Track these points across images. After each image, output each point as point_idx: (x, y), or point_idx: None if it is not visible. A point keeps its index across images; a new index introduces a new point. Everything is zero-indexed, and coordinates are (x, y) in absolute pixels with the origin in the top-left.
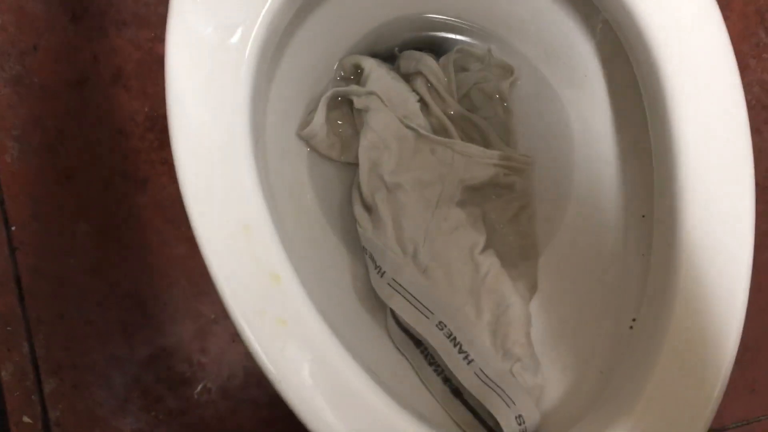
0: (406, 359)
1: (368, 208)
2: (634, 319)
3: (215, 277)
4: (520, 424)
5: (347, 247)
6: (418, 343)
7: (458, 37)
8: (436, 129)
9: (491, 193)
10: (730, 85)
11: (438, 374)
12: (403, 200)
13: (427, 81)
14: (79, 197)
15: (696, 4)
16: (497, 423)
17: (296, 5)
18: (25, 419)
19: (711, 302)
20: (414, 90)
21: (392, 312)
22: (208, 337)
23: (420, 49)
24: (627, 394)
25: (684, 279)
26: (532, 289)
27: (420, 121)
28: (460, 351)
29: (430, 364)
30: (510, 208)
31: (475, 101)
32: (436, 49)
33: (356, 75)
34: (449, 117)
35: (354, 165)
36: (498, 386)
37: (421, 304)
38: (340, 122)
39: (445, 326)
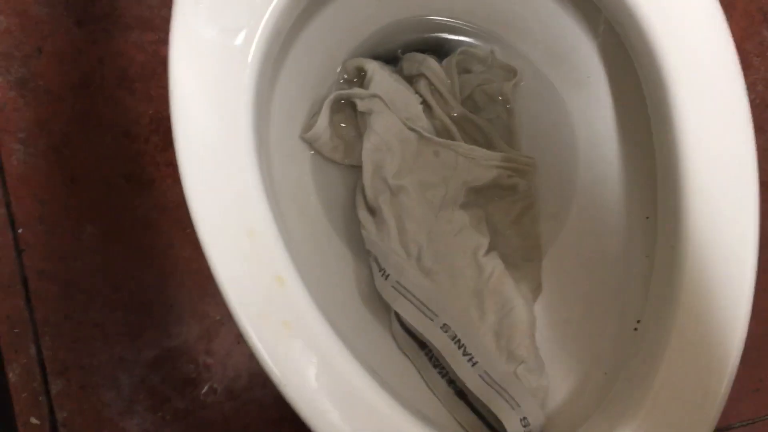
0: (411, 361)
1: (372, 211)
2: (638, 321)
3: (220, 280)
4: (524, 426)
5: (351, 249)
6: (423, 345)
7: (461, 38)
8: (439, 131)
9: (494, 195)
10: (734, 85)
11: (442, 376)
12: (407, 203)
13: (430, 83)
14: (85, 199)
15: (698, 3)
16: (502, 425)
17: (299, 8)
18: (33, 420)
19: (715, 303)
20: (417, 92)
21: (396, 314)
22: (214, 338)
23: (423, 51)
24: (632, 396)
25: (688, 280)
26: (536, 290)
27: (423, 123)
28: (465, 353)
29: (435, 366)
30: (513, 209)
31: (478, 103)
32: (439, 50)
33: (359, 78)
34: (452, 119)
35: (357, 168)
36: (502, 388)
37: (425, 306)
38: (343, 125)
39: (450, 328)
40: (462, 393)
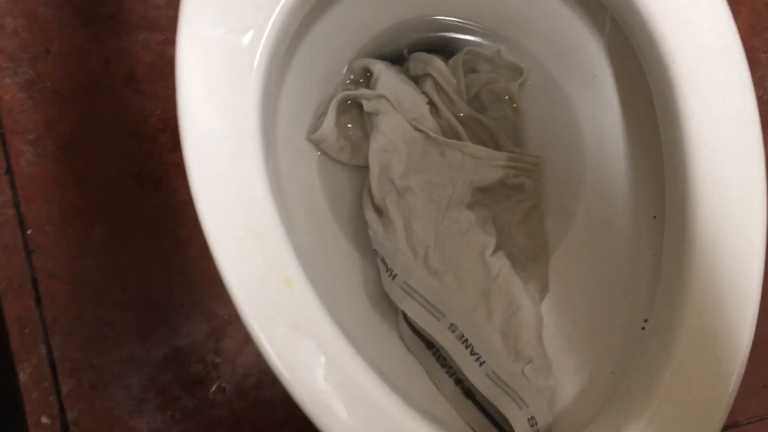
0: (418, 361)
1: (379, 212)
2: (646, 320)
3: (227, 282)
4: (532, 426)
5: (358, 250)
6: (430, 345)
7: (467, 37)
8: (445, 131)
9: (501, 195)
10: (741, 81)
11: (450, 376)
12: (413, 203)
13: (436, 83)
14: (94, 200)
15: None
16: (510, 425)
17: (306, 9)
18: (44, 420)
19: (723, 301)
20: (423, 92)
21: (404, 314)
22: (223, 337)
23: (429, 51)
24: (640, 395)
25: (696, 279)
26: (544, 290)
27: (429, 123)
28: (472, 353)
29: (442, 365)
30: (520, 209)
31: (485, 102)
32: (445, 50)
33: (365, 78)
34: (458, 119)
35: (364, 168)
36: (510, 388)
37: (433, 306)
38: (350, 125)
39: (457, 328)
40: (470, 393)
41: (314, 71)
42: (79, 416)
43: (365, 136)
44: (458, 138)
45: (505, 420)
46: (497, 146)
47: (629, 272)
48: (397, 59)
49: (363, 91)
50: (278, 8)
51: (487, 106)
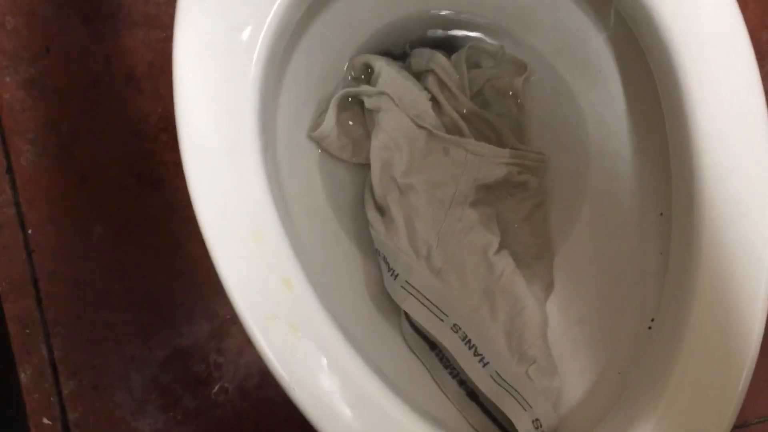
0: (421, 362)
1: (381, 210)
2: (653, 319)
3: (226, 284)
4: (537, 428)
5: (360, 249)
6: (433, 345)
7: (470, 33)
8: (448, 128)
9: (505, 192)
10: (748, 76)
11: (453, 377)
12: (416, 201)
13: (439, 79)
14: (95, 199)
15: None
16: (514, 426)
17: (305, 4)
18: (45, 421)
19: (732, 300)
20: (425, 88)
21: (406, 314)
22: (225, 337)
23: (431, 47)
24: (647, 396)
25: (704, 277)
26: (548, 288)
27: (431, 120)
28: (476, 354)
29: (446, 366)
30: (524, 206)
31: (488, 98)
32: (448, 45)
33: (367, 75)
34: (462, 115)
35: (366, 166)
36: (514, 389)
37: (435, 306)
38: (351, 123)
39: (460, 329)
40: (473, 394)
41: (314, 68)
42: (81, 417)
43: (367, 133)
44: (461, 135)
45: (509, 422)
46: (501, 143)
47: (635, 271)
48: (399, 55)
49: (364, 87)
50: (277, 3)
51: (490, 102)
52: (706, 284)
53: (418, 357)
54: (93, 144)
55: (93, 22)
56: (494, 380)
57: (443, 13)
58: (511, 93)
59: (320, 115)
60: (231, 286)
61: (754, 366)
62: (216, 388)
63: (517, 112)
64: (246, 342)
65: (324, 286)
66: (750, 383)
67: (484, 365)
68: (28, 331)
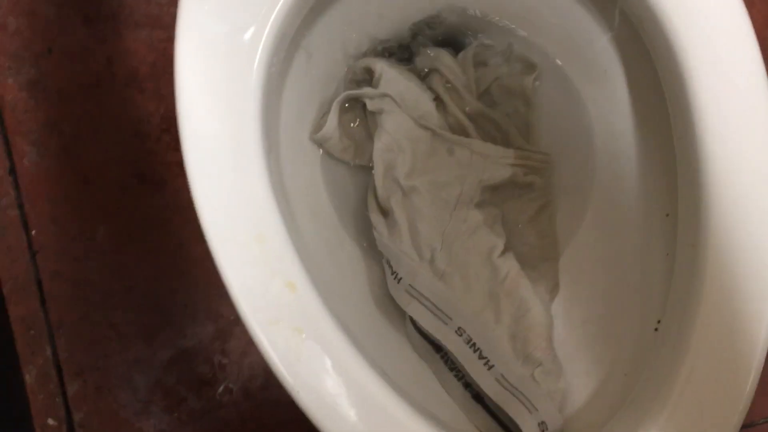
0: (426, 365)
1: (384, 213)
2: (659, 320)
3: (230, 287)
4: (542, 431)
5: (363, 251)
6: (438, 348)
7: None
8: (453, 128)
9: (511, 193)
10: (755, 75)
11: (458, 379)
12: (419, 204)
13: (445, 78)
14: (97, 200)
15: None
16: (519, 429)
17: (308, 4)
18: (50, 421)
19: (738, 301)
20: (430, 87)
21: (411, 317)
22: (229, 338)
23: (437, 44)
24: (653, 397)
25: (710, 278)
26: (554, 290)
27: (435, 120)
28: (480, 357)
29: (451, 369)
30: (530, 207)
31: (496, 97)
32: (453, 43)
33: (368, 77)
34: (467, 115)
35: (368, 168)
36: (520, 392)
37: (440, 310)
38: (353, 125)
39: (465, 332)
40: (478, 396)
41: (317, 69)
42: (86, 418)
43: (369, 135)
44: (466, 135)
45: (515, 424)
46: (507, 143)
47: (641, 271)
48: (404, 51)
49: (366, 90)
50: (279, 4)
51: (497, 101)
52: (713, 285)
53: (422, 359)
54: (95, 145)
55: (94, 22)
56: (500, 383)
57: (449, 17)
58: (519, 92)
59: (322, 117)
60: (234, 290)
61: (761, 367)
62: (220, 389)
63: (525, 111)
64: (250, 343)
65: (327, 289)
66: (758, 384)
67: (490, 368)
68: (32, 332)
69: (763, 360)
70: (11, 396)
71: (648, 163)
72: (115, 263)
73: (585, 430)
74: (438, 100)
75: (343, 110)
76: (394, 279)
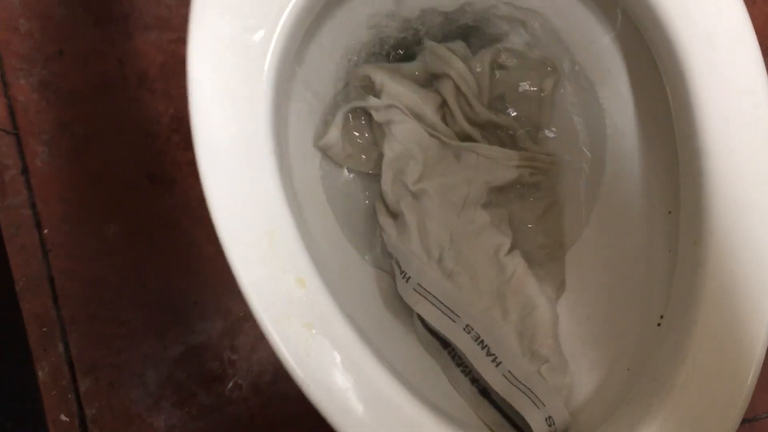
0: (434, 360)
1: (393, 216)
2: (661, 316)
3: (241, 283)
4: (550, 426)
5: (360, 252)
6: (446, 344)
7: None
8: (459, 134)
9: (518, 194)
10: (756, 74)
11: (466, 375)
12: (429, 205)
13: (456, 85)
14: (109, 199)
15: None
16: (527, 424)
17: (318, 7)
18: (62, 417)
19: (740, 297)
20: (439, 92)
21: (419, 315)
22: (238, 335)
23: (448, 37)
24: (656, 391)
25: (712, 274)
26: (560, 288)
27: (440, 128)
28: (488, 354)
29: (458, 365)
30: (536, 207)
31: (509, 101)
32: (465, 35)
33: (370, 84)
34: (475, 123)
35: (371, 174)
36: (527, 387)
37: (447, 308)
38: (356, 133)
39: (472, 329)
40: (486, 391)
41: (325, 69)
42: (98, 414)
43: (372, 143)
44: (472, 140)
45: (522, 419)
46: (514, 144)
47: (644, 268)
48: (408, 51)
49: (372, 101)
50: (290, 5)
51: (510, 105)
52: (715, 281)
53: (430, 354)
54: (106, 145)
55: (105, 24)
56: (507, 379)
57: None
58: (535, 97)
59: (326, 124)
60: (246, 286)
61: (762, 362)
62: (230, 384)
63: (537, 114)
64: (259, 339)
65: (336, 286)
66: (759, 378)
67: (497, 365)
68: (45, 329)
69: (763, 355)
70: (24, 392)
71: (650, 161)
72: (126, 261)
73: (590, 423)
74: (445, 104)
75: (346, 118)
76: (403, 278)
